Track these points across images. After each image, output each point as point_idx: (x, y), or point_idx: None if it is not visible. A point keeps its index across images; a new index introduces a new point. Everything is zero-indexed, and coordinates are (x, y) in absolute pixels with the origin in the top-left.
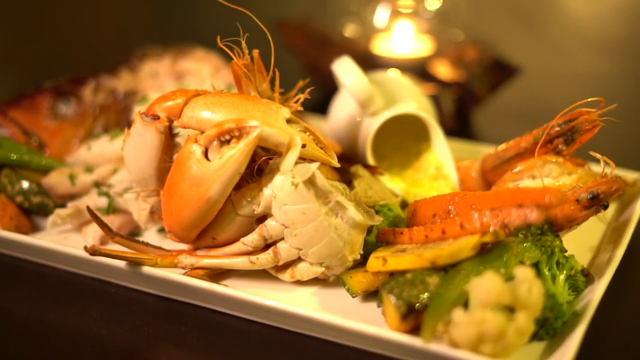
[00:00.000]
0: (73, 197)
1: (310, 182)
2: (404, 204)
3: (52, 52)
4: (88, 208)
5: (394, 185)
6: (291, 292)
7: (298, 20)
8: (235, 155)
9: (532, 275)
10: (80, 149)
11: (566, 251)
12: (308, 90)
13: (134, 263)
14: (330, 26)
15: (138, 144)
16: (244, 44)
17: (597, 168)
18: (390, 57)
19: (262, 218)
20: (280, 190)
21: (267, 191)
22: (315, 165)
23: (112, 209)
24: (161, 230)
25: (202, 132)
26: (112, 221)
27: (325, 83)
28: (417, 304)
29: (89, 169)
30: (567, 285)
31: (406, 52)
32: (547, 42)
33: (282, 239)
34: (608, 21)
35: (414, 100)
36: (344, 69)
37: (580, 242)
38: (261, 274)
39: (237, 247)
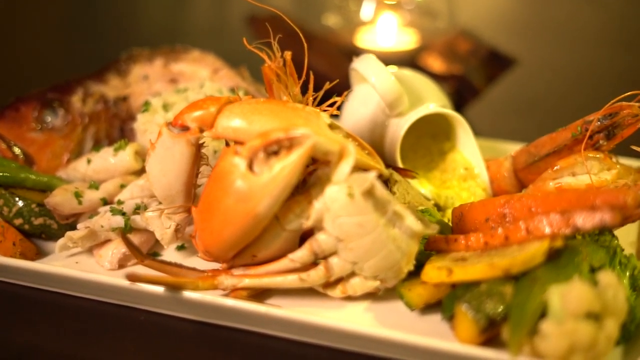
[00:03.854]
0: (77, 216)
1: (369, 193)
2: (437, 208)
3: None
4: (121, 232)
5: (423, 188)
6: (342, 309)
7: (272, 14)
8: (288, 167)
9: (616, 280)
10: (77, 162)
11: (623, 250)
12: (345, 93)
13: (174, 288)
14: (309, 20)
15: (165, 158)
16: (275, 46)
17: (623, 161)
18: (375, 50)
19: (306, 232)
20: (334, 202)
21: (317, 203)
22: (373, 174)
23: (129, 228)
24: (180, 248)
25: (239, 143)
26: None
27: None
28: (497, 317)
29: (94, 185)
30: (629, 285)
31: (391, 45)
32: (526, 32)
33: (334, 253)
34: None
35: (435, 98)
36: (370, 67)
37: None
38: (304, 291)
39: (283, 264)
